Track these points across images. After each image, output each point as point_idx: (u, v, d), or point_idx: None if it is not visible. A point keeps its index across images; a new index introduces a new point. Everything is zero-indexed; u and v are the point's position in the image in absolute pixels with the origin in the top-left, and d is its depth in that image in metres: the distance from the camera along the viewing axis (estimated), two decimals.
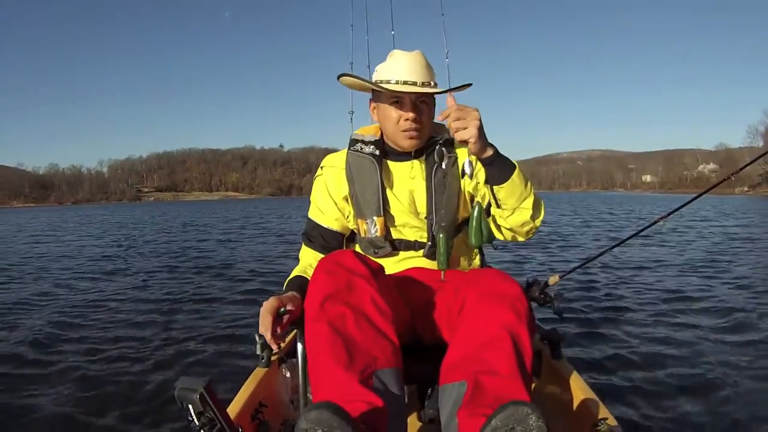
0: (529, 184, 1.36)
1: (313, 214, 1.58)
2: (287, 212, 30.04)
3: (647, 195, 71.87)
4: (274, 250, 9.93)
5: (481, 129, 1.21)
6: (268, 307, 1.27)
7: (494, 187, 1.33)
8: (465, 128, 1.20)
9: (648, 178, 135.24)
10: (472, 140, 1.21)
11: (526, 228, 1.42)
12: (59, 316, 4.61)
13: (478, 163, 1.33)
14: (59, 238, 14.95)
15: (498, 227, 1.46)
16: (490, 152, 1.26)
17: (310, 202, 1.61)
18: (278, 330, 1.28)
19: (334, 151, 1.64)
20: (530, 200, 1.36)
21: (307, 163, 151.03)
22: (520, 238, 1.47)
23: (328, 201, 1.56)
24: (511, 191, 1.33)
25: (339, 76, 1.52)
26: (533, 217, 1.39)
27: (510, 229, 1.44)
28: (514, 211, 1.37)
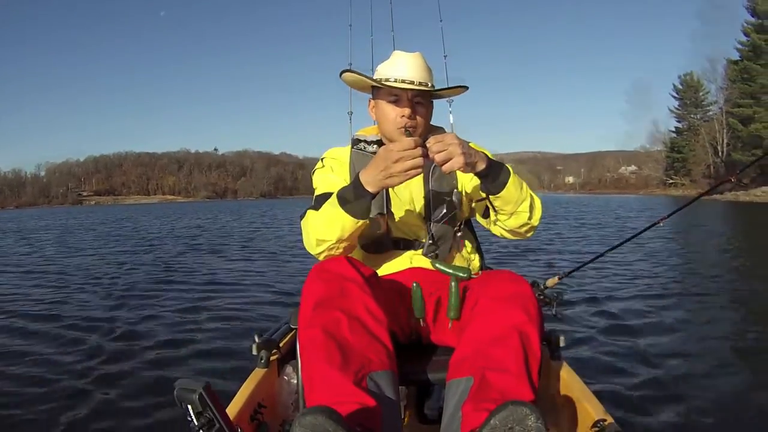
0: (524, 186, 1.37)
1: (322, 190, 1.48)
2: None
3: (568, 196, 74.11)
4: (272, 250, 10.23)
5: (465, 150, 1.21)
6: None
7: (490, 196, 1.35)
8: (450, 158, 1.20)
9: (570, 179, 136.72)
10: (460, 168, 1.22)
11: (524, 229, 1.45)
12: (55, 316, 4.72)
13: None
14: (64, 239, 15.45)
15: (497, 228, 1.49)
16: (482, 165, 1.27)
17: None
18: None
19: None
20: (526, 203, 1.37)
21: (242, 166, 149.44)
22: (520, 237, 1.50)
23: (336, 178, 1.50)
24: (507, 198, 1.34)
25: (341, 73, 1.50)
26: (530, 218, 1.41)
27: (509, 231, 1.47)
28: (511, 216, 1.39)
